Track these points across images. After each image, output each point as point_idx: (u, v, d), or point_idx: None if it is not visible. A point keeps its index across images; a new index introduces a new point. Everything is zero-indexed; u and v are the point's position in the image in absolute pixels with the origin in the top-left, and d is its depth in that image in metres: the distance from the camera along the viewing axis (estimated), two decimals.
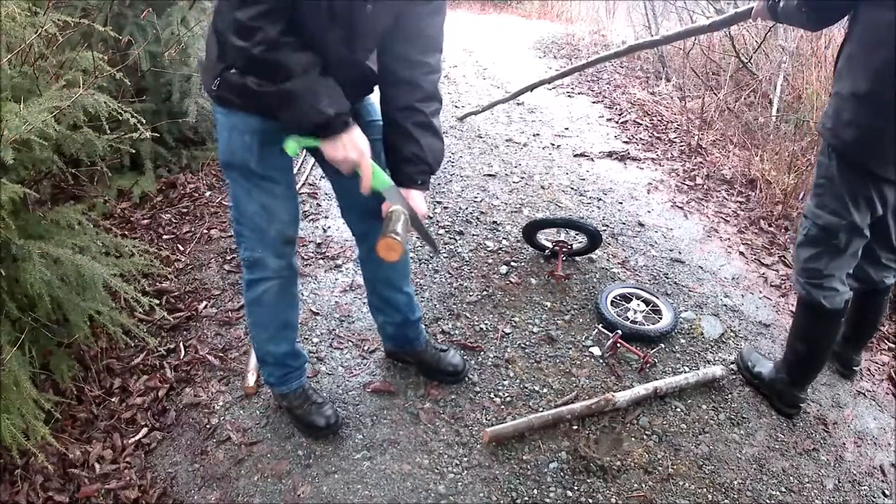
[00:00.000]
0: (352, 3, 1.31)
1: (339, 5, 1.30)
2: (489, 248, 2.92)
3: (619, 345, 2.26)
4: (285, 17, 1.24)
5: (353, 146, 1.35)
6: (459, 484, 1.76)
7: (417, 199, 1.53)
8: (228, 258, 2.74)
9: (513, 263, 2.81)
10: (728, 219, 3.39)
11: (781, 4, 1.75)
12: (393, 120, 1.53)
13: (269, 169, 1.51)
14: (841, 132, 1.66)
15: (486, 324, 2.41)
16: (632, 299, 2.53)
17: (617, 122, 4.79)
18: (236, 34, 1.22)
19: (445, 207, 3.28)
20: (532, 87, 3.75)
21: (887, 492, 1.88)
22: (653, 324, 2.41)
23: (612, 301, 2.50)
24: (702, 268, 2.90)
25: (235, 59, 1.32)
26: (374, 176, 1.42)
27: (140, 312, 2.27)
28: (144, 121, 2.01)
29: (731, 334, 2.46)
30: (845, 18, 1.68)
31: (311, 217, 3.13)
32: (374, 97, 1.62)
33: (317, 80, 1.28)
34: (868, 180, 1.67)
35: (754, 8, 1.93)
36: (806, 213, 1.85)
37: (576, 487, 1.77)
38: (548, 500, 1.74)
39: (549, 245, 2.83)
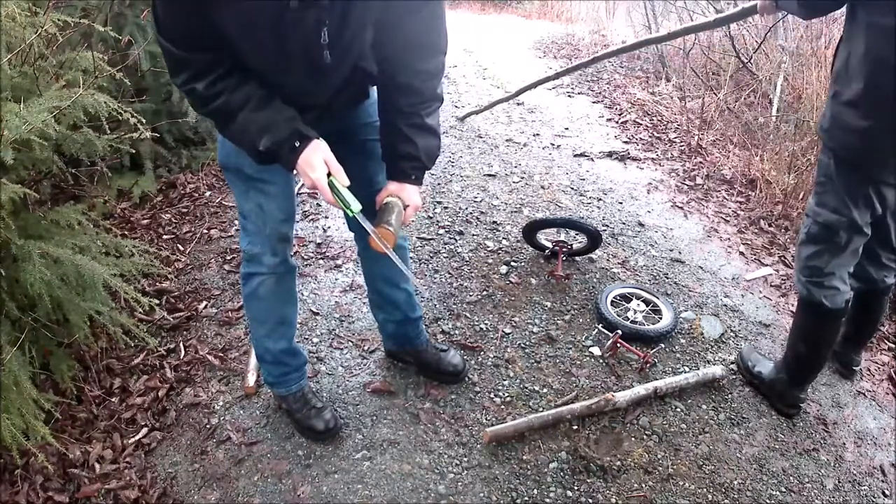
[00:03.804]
0: (309, 50, 1.27)
1: (294, 49, 1.25)
2: (489, 248, 2.92)
3: (619, 345, 2.26)
4: (217, 69, 1.25)
5: (305, 169, 1.31)
6: (459, 484, 1.77)
7: (412, 192, 1.53)
8: (228, 258, 2.74)
9: (513, 263, 2.81)
10: (728, 219, 3.39)
11: None
12: (388, 120, 1.52)
13: (263, 170, 1.51)
14: (839, 135, 1.66)
15: (486, 324, 2.41)
16: (632, 299, 2.53)
17: (617, 122, 4.79)
18: (183, 95, 1.27)
19: (445, 207, 3.28)
20: (534, 85, 3.75)
21: (887, 492, 1.88)
22: (653, 324, 2.41)
23: (612, 301, 2.50)
24: (702, 268, 2.90)
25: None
26: (339, 199, 1.34)
27: (140, 312, 2.27)
28: (144, 121, 2.01)
29: (731, 334, 2.46)
30: (839, 15, 1.69)
31: (311, 217, 3.13)
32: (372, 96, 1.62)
33: (250, 118, 1.28)
34: (866, 181, 1.68)
35: (758, 3, 1.93)
36: (807, 212, 1.85)
37: (576, 487, 1.77)
38: (548, 500, 1.74)
39: (549, 245, 2.83)
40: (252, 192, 1.56)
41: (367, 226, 1.40)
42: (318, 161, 1.31)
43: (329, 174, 1.32)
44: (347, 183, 1.34)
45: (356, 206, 1.34)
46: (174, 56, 1.23)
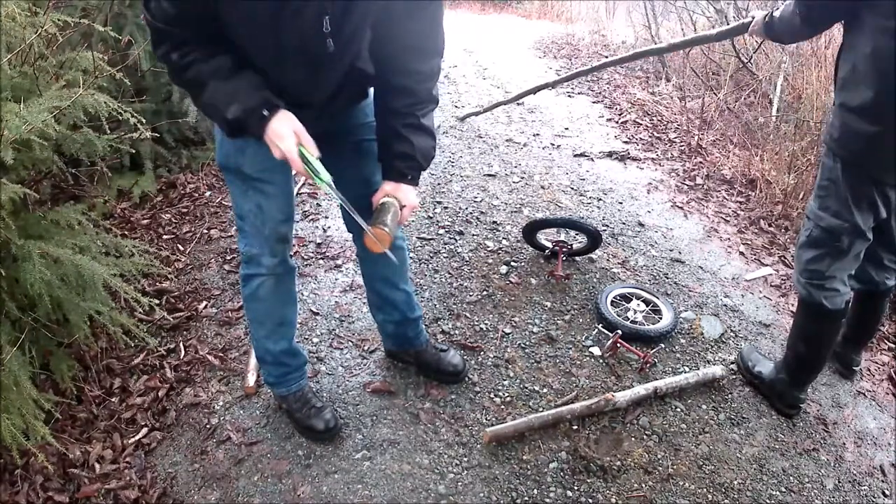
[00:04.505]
0: (311, 41, 1.27)
1: (292, 41, 1.25)
2: (489, 248, 2.92)
3: (619, 345, 2.26)
4: (194, 41, 1.25)
5: (273, 139, 1.29)
6: (459, 484, 1.77)
7: (408, 192, 1.53)
8: (228, 258, 2.74)
9: (513, 263, 2.81)
10: (728, 219, 3.39)
11: (776, 16, 1.76)
12: (384, 120, 1.53)
13: (262, 170, 1.52)
14: (849, 144, 1.65)
15: (486, 324, 2.41)
16: (632, 299, 2.53)
17: (617, 122, 4.79)
18: (165, 69, 1.29)
19: (445, 207, 3.28)
20: (536, 90, 3.75)
21: (887, 492, 1.88)
22: (653, 324, 2.41)
23: (612, 301, 2.50)
24: (702, 268, 2.90)
25: None
26: (309, 170, 1.33)
27: (140, 312, 2.27)
28: (144, 121, 2.01)
29: (731, 334, 2.46)
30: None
31: (311, 217, 3.13)
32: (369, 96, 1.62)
33: (219, 87, 1.27)
34: (872, 184, 1.68)
35: (751, 25, 1.92)
36: (808, 215, 1.85)
37: (576, 487, 1.77)
38: (548, 500, 1.74)
39: (549, 245, 2.83)
40: (251, 192, 1.55)
41: (346, 204, 1.39)
42: (286, 130, 1.29)
43: (299, 144, 1.30)
44: (317, 153, 1.32)
45: (326, 175, 1.32)
46: (157, 29, 1.24)
